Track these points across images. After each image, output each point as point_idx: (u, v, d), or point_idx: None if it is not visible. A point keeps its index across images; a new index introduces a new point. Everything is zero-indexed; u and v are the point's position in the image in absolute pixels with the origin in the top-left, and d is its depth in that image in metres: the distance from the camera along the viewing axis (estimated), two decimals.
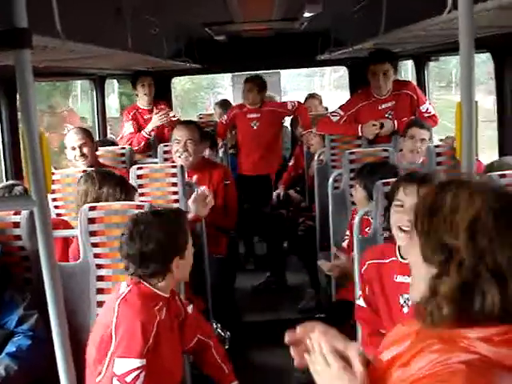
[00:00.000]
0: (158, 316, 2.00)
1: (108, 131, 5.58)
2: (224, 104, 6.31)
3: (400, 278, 2.14)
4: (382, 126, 4.13)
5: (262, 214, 4.96)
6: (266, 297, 4.57)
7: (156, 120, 4.84)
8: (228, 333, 3.13)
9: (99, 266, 2.43)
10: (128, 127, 4.92)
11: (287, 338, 1.27)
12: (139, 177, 3.28)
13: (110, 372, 1.93)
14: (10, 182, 2.99)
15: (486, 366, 1.01)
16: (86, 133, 3.76)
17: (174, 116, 5.08)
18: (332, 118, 4.29)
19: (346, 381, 1.16)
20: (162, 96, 5.43)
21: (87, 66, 4.20)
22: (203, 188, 3.25)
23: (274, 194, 5.21)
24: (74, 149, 3.63)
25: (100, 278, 2.43)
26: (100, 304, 2.39)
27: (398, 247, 2.19)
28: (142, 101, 5.08)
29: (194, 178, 3.55)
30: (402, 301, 2.13)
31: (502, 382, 1.00)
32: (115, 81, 6.80)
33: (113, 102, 8.37)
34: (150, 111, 5.08)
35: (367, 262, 2.29)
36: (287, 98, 6.87)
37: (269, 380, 3.39)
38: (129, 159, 4.12)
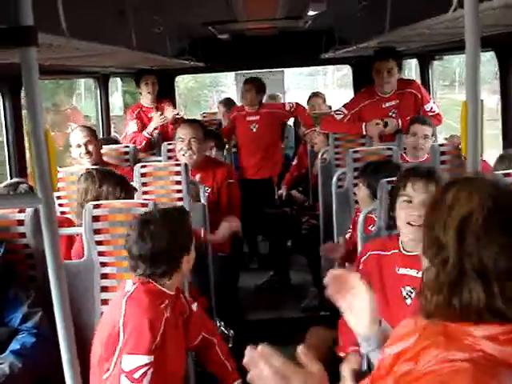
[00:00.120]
0: (165, 313, 2.01)
1: (112, 129, 5.59)
2: (228, 102, 6.31)
3: (402, 270, 2.16)
4: (385, 124, 4.12)
5: (266, 213, 4.96)
6: (269, 295, 4.57)
7: (157, 120, 4.85)
8: (231, 331, 3.13)
9: (103, 264, 2.44)
10: (132, 126, 4.93)
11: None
12: (143, 175, 3.28)
13: (118, 369, 1.95)
14: (15, 179, 2.99)
15: (491, 365, 1.01)
16: (91, 131, 3.79)
17: (177, 114, 5.08)
18: (336, 116, 4.29)
19: None
20: (165, 94, 5.43)
21: (91, 64, 4.21)
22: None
23: (277, 194, 5.20)
24: (79, 146, 3.66)
25: (104, 276, 2.44)
26: (104, 302, 2.40)
27: (402, 240, 2.21)
28: (146, 99, 5.09)
29: (197, 176, 3.56)
30: (404, 293, 2.14)
31: (507, 381, 1.00)
32: (119, 79, 6.81)
33: (116, 100, 8.38)
34: (153, 109, 5.09)
35: (368, 253, 2.31)
36: (290, 97, 6.88)
37: None
38: (133, 157, 4.13)
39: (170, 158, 4.12)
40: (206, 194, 3.46)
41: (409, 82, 4.38)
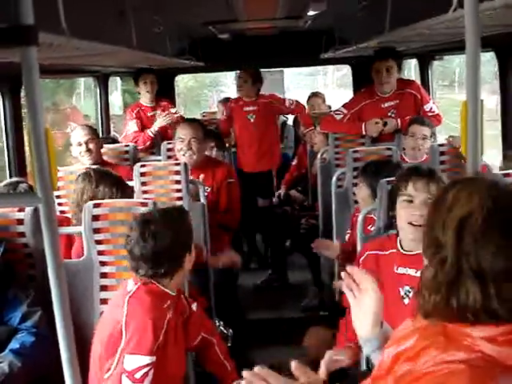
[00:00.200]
0: (167, 314, 2.01)
1: (111, 129, 5.58)
2: (227, 102, 6.30)
3: (401, 270, 2.16)
4: (385, 123, 4.13)
5: (265, 212, 4.95)
6: (268, 295, 4.57)
7: (161, 120, 4.84)
8: (231, 330, 3.13)
9: (103, 263, 2.44)
10: (132, 125, 4.93)
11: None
12: (143, 174, 3.28)
13: (120, 368, 1.95)
14: (15, 179, 3.00)
15: (489, 366, 1.01)
16: (92, 130, 3.83)
17: (176, 112, 5.08)
18: (335, 116, 4.29)
19: None
20: (165, 94, 5.43)
21: (91, 64, 4.21)
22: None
23: (276, 194, 5.19)
24: (80, 144, 3.68)
25: (104, 275, 2.44)
26: (104, 301, 2.40)
27: (400, 239, 2.21)
28: (145, 98, 5.09)
29: (201, 176, 3.56)
30: (402, 292, 2.14)
31: (506, 382, 1.00)
32: (118, 78, 6.81)
33: (116, 100, 8.38)
34: (153, 108, 5.09)
35: (367, 252, 2.31)
36: (290, 97, 6.86)
37: None
38: (132, 157, 4.14)
39: (169, 157, 4.12)
40: (206, 194, 3.46)
41: (408, 82, 4.39)
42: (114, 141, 4.80)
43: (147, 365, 1.93)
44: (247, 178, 4.88)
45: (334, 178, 3.64)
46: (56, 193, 3.28)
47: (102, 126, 5.35)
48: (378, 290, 1.51)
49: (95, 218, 2.40)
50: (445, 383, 1.00)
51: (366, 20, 3.94)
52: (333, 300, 3.45)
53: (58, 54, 2.29)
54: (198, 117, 6.18)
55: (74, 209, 2.78)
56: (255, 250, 5.31)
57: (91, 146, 3.68)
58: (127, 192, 2.76)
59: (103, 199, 2.60)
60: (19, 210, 2.37)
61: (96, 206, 2.42)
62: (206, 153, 4.04)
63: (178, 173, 3.25)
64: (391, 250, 2.23)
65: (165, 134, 4.93)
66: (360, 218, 2.67)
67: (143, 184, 3.27)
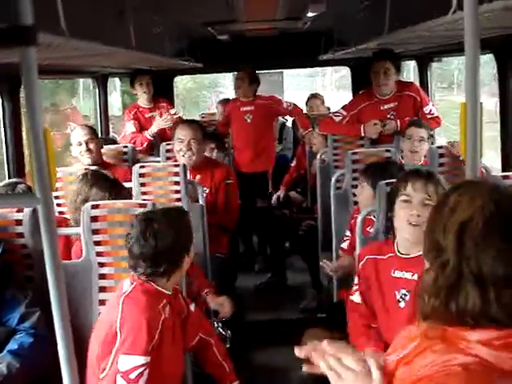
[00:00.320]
0: (162, 314, 2.01)
1: (110, 129, 5.58)
2: (227, 103, 6.30)
3: (398, 273, 2.17)
4: (384, 125, 4.13)
5: (264, 213, 4.95)
6: (267, 296, 4.57)
7: (160, 122, 4.83)
8: (229, 332, 3.13)
9: (101, 265, 2.43)
10: (129, 127, 4.93)
11: (299, 353, 1.26)
12: (141, 175, 3.28)
13: (114, 369, 1.94)
14: (13, 179, 2.99)
15: (485, 370, 1.01)
16: (92, 130, 3.85)
17: (175, 113, 5.08)
18: (334, 118, 4.30)
19: None
20: (164, 95, 5.43)
21: (90, 64, 4.21)
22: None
23: (275, 195, 5.19)
24: (80, 144, 3.68)
25: (102, 276, 2.44)
26: (102, 302, 2.39)
27: (397, 243, 2.21)
28: (142, 99, 5.09)
29: (197, 177, 3.56)
30: (398, 296, 2.15)
31: None
32: (117, 79, 6.80)
33: (115, 101, 8.37)
34: (151, 109, 5.09)
35: (366, 257, 2.32)
36: (289, 98, 6.86)
37: (269, 379, 3.38)
38: (131, 157, 4.14)
39: (168, 158, 4.12)
40: (205, 195, 3.46)
41: (408, 84, 4.39)
42: (113, 141, 4.80)
43: (142, 365, 1.93)
44: (244, 178, 4.88)
45: (333, 180, 3.64)
46: (55, 193, 3.28)
47: (101, 127, 5.35)
48: (378, 371, 1.24)
49: (94, 219, 2.40)
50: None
51: (365, 22, 3.94)
52: (331, 302, 3.45)
53: (57, 54, 2.29)
54: (197, 118, 6.18)
55: (71, 209, 2.78)
56: (252, 251, 5.30)
57: (91, 145, 3.69)
58: (122, 194, 2.75)
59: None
60: (18, 211, 2.36)
61: (94, 207, 2.42)
62: (207, 154, 4.04)
63: (176, 174, 3.25)
64: (389, 254, 2.24)
65: (164, 135, 4.93)
66: (359, 219, 2.67)
67: (142, 185, 3.26)
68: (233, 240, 3.94)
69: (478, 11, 1.51)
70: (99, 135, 5.03)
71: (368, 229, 2.81)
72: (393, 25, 3.04)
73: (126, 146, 4.29)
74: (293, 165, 5.32)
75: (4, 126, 3.31)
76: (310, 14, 3.99)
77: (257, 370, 3.39)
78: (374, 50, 4.13)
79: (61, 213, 3.30)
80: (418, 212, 2.09)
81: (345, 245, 3.23)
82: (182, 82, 12.16)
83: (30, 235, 2.36)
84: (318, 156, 4.37)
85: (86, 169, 3.32)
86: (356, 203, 3.32)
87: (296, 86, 15.30)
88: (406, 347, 1.19)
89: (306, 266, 4.34)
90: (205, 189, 3.53)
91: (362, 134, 4.15)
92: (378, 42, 3.45)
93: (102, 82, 5.30)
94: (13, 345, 2.13)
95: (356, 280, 2.40)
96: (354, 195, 3.38)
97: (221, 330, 2.98)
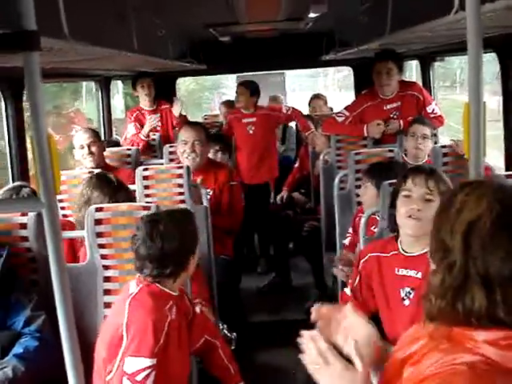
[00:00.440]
0: (169, 316, 2.01)
1: (113, 132, 5.59)
2: (230, 104, 6.31)
3: (402, 271, 2.17)
4: (387, 125, 4.13)
5: (267, 214, 4.94)
6: (271, 297, 4.57)
7: (150, 123, 4.84)
8: (234, 333, 3.13)
9: (106, 267, 2.44)
10: (131, 129, 4.94)
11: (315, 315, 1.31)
12: (145, 178, 3.28)
13: (121, 371, 1.94)
14: (18, 183, 2.99)
15: (491, 369, 1.01)
16: (94, 133, 3.85)
17: (178, 115, 5.08)
18: (337, 118, 4.29)
19: (347, 380, 1.16)
20: (166, 97, 5.44)
21: (93, 68, 4.22)
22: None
23: (278, 196, 5.19)
24: (82, 147, 3.70)
25: (107, 279, 2.44)
26: (107, 305, 2.40)
27: (400, 241, 2.21)
28: (144, 102, 5.09)
29: (199, 179, 3.55)
30: (403, 294, 2.15)
31: None
32: (120, 82, 6.82)
33: (118, 103, 8.38)
34: (154, 112, 5.09)
35: (368, 254, 2.32)
36: (292, 99, 6.88)
37: (274, 380, 3.39)
38: (134, 160, 4.14)
39: (171, 160, 4.13)
40: (208, 197, 3.46)
41: (410, 83, 4.38)
42: (116, 144, 4.80)
43: (148, 367, 1.93)
44: (246, 189, 4.87)
45: (337, 180, 3.64)
46: (58, 197, 3.28)
47: (104, 130, 5.36)
48: (367, 319, 1.43)
49: (98, 221, 2.41)
50: (449, 383, 1.00)
51: (366, 22, 3.94)
52: (335, 303, 3.45)
53: (59, 58, 2.30)
54: (200, 120, 6.18)
55: (76, 211, 2.79)
56: (254, 253, 5.30)
57: (93, 148, 3.70)
58: (126, 197, 2.75)
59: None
60: (22, 215, 2.37)
61: (98, 210, 2.42)
62: (211, 156, 4.04)
63: (180, 176, 3.25)
64: (392, 252, 2.24)
65: (167, 137, 4.93)
66: (363, 220, 2.67)
67: (145, 187, 3.27)
68: (237, 242, 3.93)
69: (480, 11, 1.50)
70: (102, 138, 5.05)
71: (372, 228, 2.81)
72: (394, 25, 3.04)
73: (129, 149, 4.30)
74: (296, 166, 5.32)
75: (8, 130, 3.32)
76: (311, 15, 3.99)
77: (261, 371, 3.39)
78: (376, 51, 4.13)
79: (64, 216, 3.31)
80: (419, 207, 2.09)
81: (347, 241, 3.24)
82: (184, 84, 12.19)
83: (35, 239, 2.36)
84: (321, 157, 4.37)
85: (89, 172, 3.33)
86: (359, 203, 3.31)
87: (298, 86, 15.31)
88: (412, 345, 1.19)
89: (310, 266, 4.34)
90: (208, 190, 3.53)
91: (365, 134, 4.15)
92: (380, 42, 3.45)
93: (104, 85, 5.31)
94: (18, 348, 2.14)
95: (353, 276, 2.41)
96: (358, 195, 3.38)
97: (226, 331, 2.98)
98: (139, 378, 1.92)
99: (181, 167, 3.29)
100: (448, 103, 7.86)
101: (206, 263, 3.17)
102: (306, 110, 6.04)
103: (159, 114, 5.06)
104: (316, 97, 6.31)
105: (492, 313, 1.04)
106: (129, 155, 4.18)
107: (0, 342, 2.13)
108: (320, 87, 15.99)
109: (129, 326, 1.97)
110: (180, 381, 2.12)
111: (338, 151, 4.21)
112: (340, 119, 4.27)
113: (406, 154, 3.75)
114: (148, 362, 1.93)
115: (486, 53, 3.51)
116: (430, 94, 4.57)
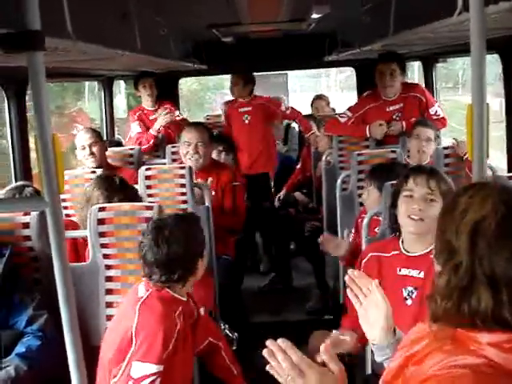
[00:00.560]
0: (178, 323, 2.00)
1: (116, 132, 5.59)
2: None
3: (404, 271, 2.17)
4: (389, 126, 4.13)
5: (268, 214, 4.93)
6: (272, 298, 4.56)
7: (161, 120, 4.82)
8: (236, 334, 3.13)
9: (108, 267, 2.44)
10: (135, 127, 4.93)
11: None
12: (148, 178, 3.28)
13: (126, 375, 1.94)
14: (21, 182, 2.99)
15: (494, 373, 1.01)
16: (96, 133, 3.85)
17: (178, 116, 5.08)
18: (340, 119, 4.30)
19: None
20: (169, 97, 5.44)
21: (96, 67, 4.22)
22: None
23: (277, 196, 5.18)
24: (83, 148, 3.69)
25: (109, 279, 2.45)
26: (109, 304, 2.40)
27: (402, 241, 2.21)
28: (146, 102, 5.08)
29: (209, 180, 3.55)
30: (405, 293, 2.15)
31: None
32: (122, 81, 6.81)
33: (120, 103, 8.39)
34: (155, 112, 5.08)
35: (370, 254, 2.32)
36: (294, 99, 6.87)
37: (275, 381, 3.37)
38: (137, 160, 4.14)
39: (174, 160, 4.12)
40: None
41: (413, 85, 4.39)
42: (119, 144, 4.80)
43: (154, 373, 1.92)
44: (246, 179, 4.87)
45: (339, 181, 3.64)
46: (61, 196, 3.28)
47: (106, 129, 5.36)
48: (385, 299, 1.52)
49: (100, 221, 2.41)
50: None
51: (369, 23, 3.93)
52: (337, 303, 3.45)
53: (63, 57, 2.30)
54: (202, 120, 6.18)
55: (78, 211, 2.79)
56: (256, 252, 5.29)
57: (95, 149, 3.69)
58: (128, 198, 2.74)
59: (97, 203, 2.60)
60: (25, 214, 2.37)
61: (101, 209, 2.43)
62: (215, 157, 4.04)
63: (182, 176, 3.25)
64: (393, 252, 2.24)
65: (169, 137, 4.93)
66: (365, 221, 2.67)
67: (148, 187, 3.27)
68: (239, 242, 3.93)
69: (483, 12, 1.50)
70: (105, 137, 5.05)
71: (376, 229, 2.80)
72: (397, 26, 3.04)
73: (132, 149, 4.29)
74: (298, 167, 5.31)
75: (10, 129, 3.32)
76: (314, 16, 3.99)
77: (262, 372, 3.37)
78: (378, 52, 4.13)
79: (67, 215, 3.31)
80: (420, 206, 2.10)
81: (350, 235, 3.24)
82: (186, 84, 12.18)
83: (38, 238, 2.36)
84: (324, 157, 4.37)
85: (92, 172, 3.34)
86: (362, 204, 3.31)
87: (300, 87, 15.30)
88: (416, 345, 1.19)
89: (311, 267, 4.33)
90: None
91: (368, 135, 4.15)
92: (383, 43, 3.45)
93: (107, 85, 5.32)
94: (21, 348, 2.14)
95: None
96: (360, 196, 3.37)
97: (228, 332, 2.99)
98: (144, 383, 1.92)
99: (183, 167, 3.30)
100: (450, 104, 7.86)
101: (208, 263, 3.17)
102: (308, 111, 6.04)
103: (159, 111, 5.02)
104: (318, 97, 6.30)
105: (498, 314, 1.04)
106: (131, 155, 4.18)
107: (2, 341, 2.13)
108: (322, 88, 15.97)
109: (138, 330, 1.96)
110: (184, 383, 2.12)
111: (341, 152, 4.22)
112: (343, 120, 4.27)
113: (408, 156, 3.75)
114: (154, 368, 1.92)
115: (488, 54, 3.52)
116: (433, 95, 4.57)
